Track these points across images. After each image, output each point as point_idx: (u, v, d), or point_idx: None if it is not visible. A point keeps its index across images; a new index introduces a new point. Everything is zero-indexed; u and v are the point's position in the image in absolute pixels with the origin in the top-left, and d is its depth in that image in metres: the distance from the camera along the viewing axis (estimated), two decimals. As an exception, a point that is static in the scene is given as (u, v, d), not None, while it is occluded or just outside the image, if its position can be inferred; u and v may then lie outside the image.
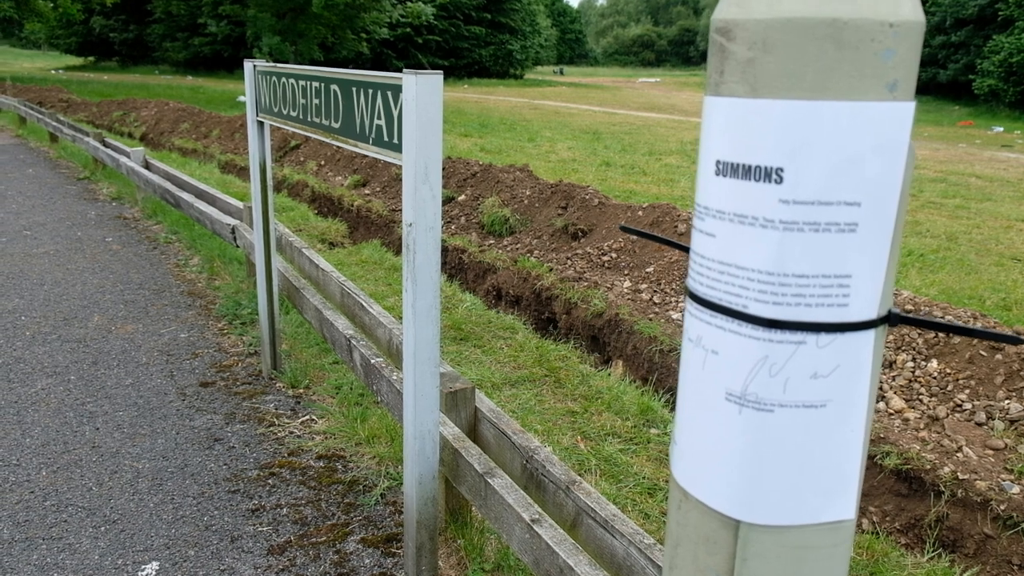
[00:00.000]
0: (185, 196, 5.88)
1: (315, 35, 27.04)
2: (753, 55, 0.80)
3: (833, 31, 0.74)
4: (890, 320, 0.84)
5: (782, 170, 0.79)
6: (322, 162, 10.56)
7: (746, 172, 0.81)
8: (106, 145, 8.98)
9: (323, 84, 2.77)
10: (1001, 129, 27.12)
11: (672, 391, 4.36)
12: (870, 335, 0.82)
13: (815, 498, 0.86)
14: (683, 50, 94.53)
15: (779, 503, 0.87)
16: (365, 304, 3.54)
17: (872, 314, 0.81)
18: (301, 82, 2.99)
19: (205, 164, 11.14)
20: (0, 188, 8.88)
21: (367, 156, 9.95)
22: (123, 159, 7.82)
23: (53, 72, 41.26)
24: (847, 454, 0.86)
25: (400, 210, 8.38)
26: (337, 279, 3.90)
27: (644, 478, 3.16)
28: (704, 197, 0.88)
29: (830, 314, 0.81)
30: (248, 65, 3.56)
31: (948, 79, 35.83)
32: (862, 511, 3.68)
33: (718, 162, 0.84)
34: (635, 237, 6.05)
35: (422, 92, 2.05)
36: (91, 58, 54.93)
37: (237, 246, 4.98)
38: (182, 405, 3.67)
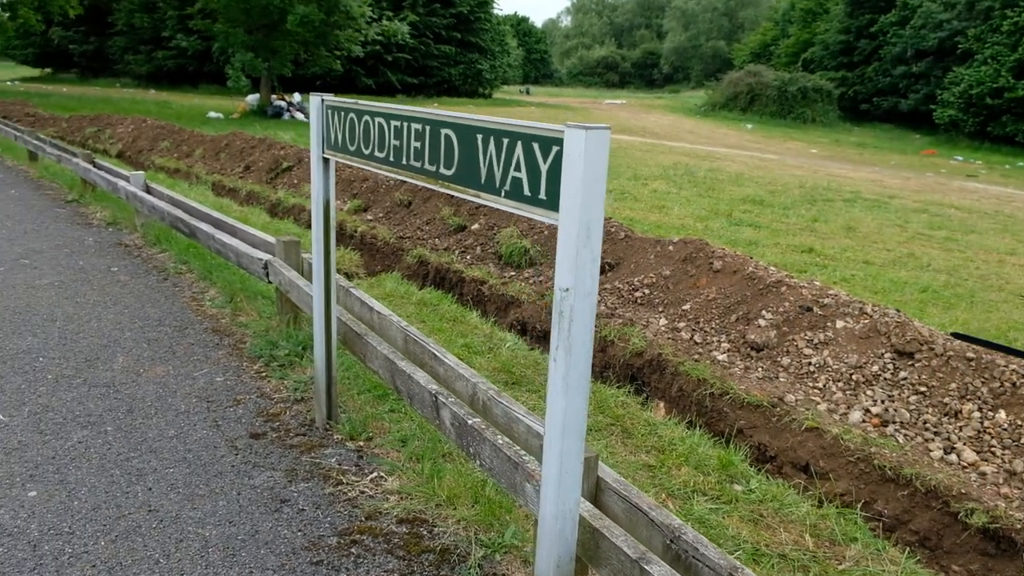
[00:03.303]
0: (203, 227, 5.60)
1: (288, 52, 26.61)
2: None
3: None
4: None
5: None
6: (317, 185, 10.28)
7: None
8: (97, 167, 8.61)
9: (428, 127, 2.59)
10: (961, 159, 27.91)
11: (733, 440, 4.21)
12: None
13: None
14: (646, 73, 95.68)
15: None
16: (438, 354, 3.34)
17: None
18: (394, 122, 2.80)
19: (195, 186, 10.78)
20: (-18, 209, 8.46)
21: (369, 181, 9.71)
22: (121, 183, 7.47)
23: (9, 84, 40.04)
24: None
25: (407, 237, 8.16)
26: (398, 324, 3.70)
27: (744, 541, 3.01)
28: None
29: None
30: (315, 99, 3.36)
31: (909, 108, 36.82)
32: (944, 570, 3.58)
33: None
34: (668, 272, 5.93)
35: (591, 148, 1.89)
36: (48, 70, 53.48)
37: (270, 283, 4.73)
38: (236, 460, 3.43)
